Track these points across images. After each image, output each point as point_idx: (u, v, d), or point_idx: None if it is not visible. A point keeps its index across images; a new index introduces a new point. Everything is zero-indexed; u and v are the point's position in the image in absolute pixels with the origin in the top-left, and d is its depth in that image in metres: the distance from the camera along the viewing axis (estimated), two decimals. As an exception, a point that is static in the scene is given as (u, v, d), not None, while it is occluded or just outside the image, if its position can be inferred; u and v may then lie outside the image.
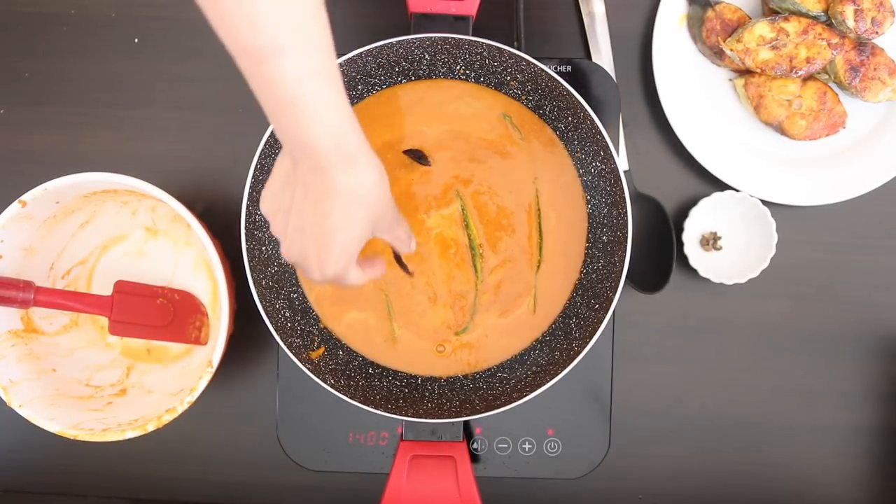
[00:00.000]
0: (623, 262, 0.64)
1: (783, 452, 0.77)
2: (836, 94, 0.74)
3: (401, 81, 0.70)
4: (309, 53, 0.46)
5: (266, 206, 0.55)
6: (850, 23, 0.70)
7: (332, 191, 0.49)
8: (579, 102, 0.65)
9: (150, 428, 0.66)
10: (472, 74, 0.69)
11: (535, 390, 0.64)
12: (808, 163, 0.76)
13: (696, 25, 0.75)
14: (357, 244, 0.52)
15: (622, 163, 0.73)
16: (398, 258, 0.65)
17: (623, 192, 0.65)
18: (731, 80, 0.76)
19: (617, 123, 0.72)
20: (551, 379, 0.64)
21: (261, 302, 0.65)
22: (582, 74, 0.71)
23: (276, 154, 0.66)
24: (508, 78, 0.68)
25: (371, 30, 0.68)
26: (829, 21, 0.72)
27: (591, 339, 0.64)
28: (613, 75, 0.75)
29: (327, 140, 0.47)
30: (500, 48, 0.65)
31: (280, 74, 0.45)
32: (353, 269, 0.53)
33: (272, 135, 0.65)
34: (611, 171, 0.66)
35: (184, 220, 0.70)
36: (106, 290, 0.72)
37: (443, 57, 0.68)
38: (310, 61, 0.46)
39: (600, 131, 0.65)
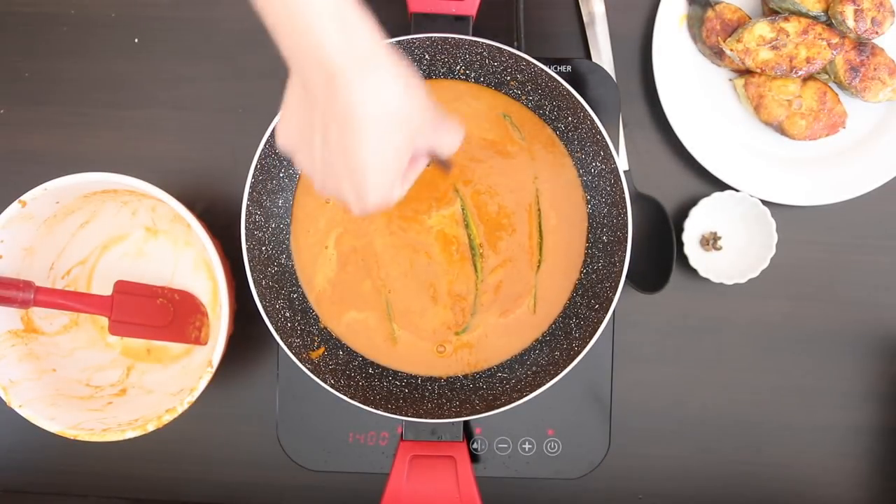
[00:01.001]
0: (623, 262, 0.64)
1: (783, 452, 0.77)
2: (836, 94, 0.74)
3: (401, 81, 0.70)
4: None
5: (282, 140, 0.47)
6: (850, 23, 0.70)
7: (353, 117, 0.41)
8: (579, 102, 0.65)
9: (150, 428, 0.66)
10: (472, 74, 0.69)
11: (535, 390, 0.64)
12: (808, 163, 0.76)
13: (696, 25, 0.75)
14: (396, 169, 0.45)
15: (622, 163, 0.73)
16: (441, 162, 0.57)
17: (623, 192, 0.65)
18: (731, 80, 0.76)
19: (617, 123, 0.72)
20: (551, 379, 0.64)
21: (261, 302, 0.65)
22: (582, 74, 0.71)
23: (277, 154, 0.67)
24: (508, 78, 0.68)
25: (371, 30, 0.68)
26: (829, 21, 0.72)
27: (591, 339, 0.64)
28: (613, 75, 0.75)
29: (331, 38, 0.40)
30: (500, 48, 0.65)
31: None
32: (395, 191, 0.47)
33: (272, 135, 0.65)
34: (611, 171, 0.66)
35: (184, 220, 0.70)
36: (106, 290, 0.72)
37: (443, 57, 0.68)
38: None
39: (600, 131, 0.65)
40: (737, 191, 0.74)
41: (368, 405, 0.65)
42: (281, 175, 0.69)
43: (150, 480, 0.78)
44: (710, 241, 0.76)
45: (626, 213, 0.65)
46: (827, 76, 0.74)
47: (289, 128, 0.47)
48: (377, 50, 0.42)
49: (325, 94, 0.42)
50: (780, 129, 0.74)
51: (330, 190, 0.48)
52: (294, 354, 0.65)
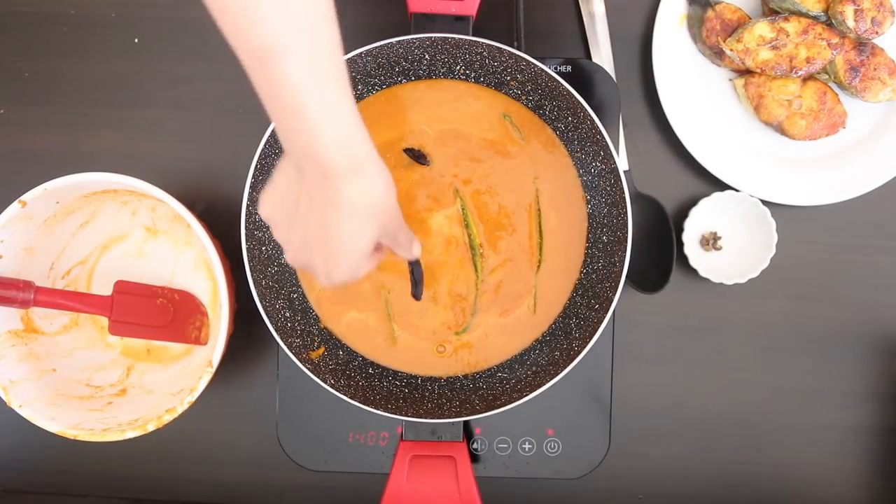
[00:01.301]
0: (623, 262, 0.64)
1: (783, 452, 0.77)
2: (836, 94, 0.74)
3: (401, 81, 0.70)
4: (314, 54, 0.44)
5: (266, 211, 0.53)
6: (850, 23, 0.70)
7: (340, 202, 0.47)
8: (579, 102, 0.65)
9: (150, 428, 0.66)
10: (472, 74, 0.69)
11: (535, 390, 0.64)
12: (808, 163, 0.76)
13: (696, 25, 0.75)
14: (365, 254, 0.51)
15: (622, 163, 0.73)
16: (412, 277, 0.63)
17: (623, 192, 0.65)
18: (731, 80, 0.76)
19: (617, 123, 0.72)
20: (551, 379, 0.64)
21: (261, 302, 0.65)
22: (582, 74, 0.71)
23: (277, 154, 0.67)
24: (508, 78, 0.68)
25: (371, 30, 0.68)
26: (829, 21, 0.72)
27: (591, 339, 0.64)
28: (613, 75, 0.75)
29: (334, 147, 0.46)
30: (500, 48, 0.65)
31: (283, 76, 0.44)
32: (360, 271, 0.53)
33: (272, 135, 0.65)
34: (611, 171, 0.66)
35: (184, 220, 0.70)
36: (106, 290, 0.72)
37: (443, 57, 0.68)
38: (315, 63, 0.44)
39: (600, 131, 0.65)
40: (737, 191, 0.74)
41: (368, 405, 0.65)
42: (281, 175, 0.68)
43: (150, 480, 0.78)
44: (710, 241, 0.76)
45: (626, 213, 0.65)
46: (827, 76, 0.74)
47: (274, 199, 0.52)
48: (369, 156, 0.48)
49: (316, 182, 0.47)
50: (780, 129, 0.74)
51: (300, 262, 0.53)
52: (294, 354, 0.65)
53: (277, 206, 0.52)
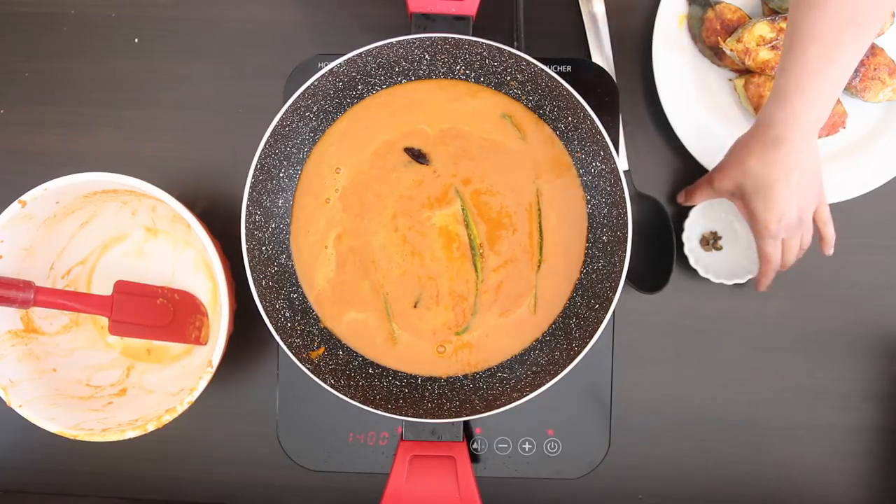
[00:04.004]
0: (623, 262, 0.64)
1: (783, 452, 0.77)
2: (836, 94, 0.74)
3: (401, 81, 0.70)
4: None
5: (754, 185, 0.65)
6: (850, 23, 0.70)
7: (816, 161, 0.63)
8: (579, 102, 0.65)
9: (150, 428, 0.66)
10: (472, 74, 0.69)
11: (535, 390, 0.64)
12: (808, 163, 0.76)
13: (696, 25, 0.75)
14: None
15: (622, 163, 0.73)
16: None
17: (623, 192, 0.65)
18: (731, 80, 0.76)
19: (617, 123, 0.72)
20: (551, 379, 0.64)
21: (261, 302, 0.65)
22: (582, 74, 0.71)
23: (277, 154, 0.67)
24: (508, 78, 0.68)
25: (371, 30, 0.68)
26: (829, 21, 0.72)
27: (591, 339, 0.64)
28: (613, 75, 0.75)
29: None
30: (500, 48, 0.65)
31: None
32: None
33: (272, 135, 0.65)
34: (611, 171, 0.66)
35: (184, 220, 0.70)
36: (106, 290, 0.72)
37: (443, 57, 0.68)
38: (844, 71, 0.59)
39: (600, 131, 0.65)
40: (737, 191, 0.74)
41: (368, 405, 0.65)
42: (281, 175, 0.69)
43: (150, 480, 0.78)
44: (710, 241, 0.76)
45: (626, 213, 0.65)
46: (827, 76, 0.74)
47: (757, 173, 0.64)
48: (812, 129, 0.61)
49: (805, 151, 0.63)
50: (780, 129, 0.74)
51: (792, 227, 0.67)
52: (294, 354, 0.65)
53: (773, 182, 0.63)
